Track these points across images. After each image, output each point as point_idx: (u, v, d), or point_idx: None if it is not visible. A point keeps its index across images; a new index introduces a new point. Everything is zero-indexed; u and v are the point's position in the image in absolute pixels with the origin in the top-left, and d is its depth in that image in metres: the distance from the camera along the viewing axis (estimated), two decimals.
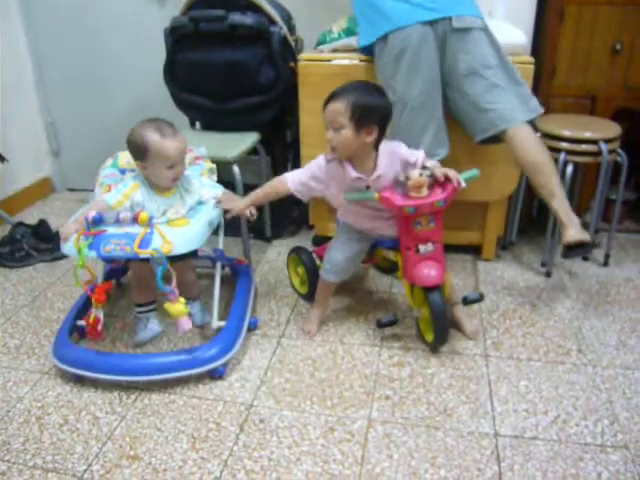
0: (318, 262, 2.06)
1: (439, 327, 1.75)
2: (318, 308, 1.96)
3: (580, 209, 2.57)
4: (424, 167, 1.68)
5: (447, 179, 1.67)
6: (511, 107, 1.91)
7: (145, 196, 1.69)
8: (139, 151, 1.64)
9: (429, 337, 1.82)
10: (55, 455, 1.45)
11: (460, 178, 1.67)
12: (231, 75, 2.25)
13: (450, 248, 2.30)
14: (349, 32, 2.24)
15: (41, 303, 2.15)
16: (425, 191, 1.66)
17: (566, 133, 2.14)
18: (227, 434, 1.51)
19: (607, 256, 2.34)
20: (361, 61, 2.15)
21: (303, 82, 2.20)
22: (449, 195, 1.66)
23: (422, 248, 1.72)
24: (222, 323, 1.81)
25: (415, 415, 1.57)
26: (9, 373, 1.76)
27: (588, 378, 1.70)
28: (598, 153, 2.12)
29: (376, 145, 1.67)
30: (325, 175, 1.72)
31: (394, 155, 1.71)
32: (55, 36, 2.95)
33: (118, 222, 1.63)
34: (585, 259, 2.37)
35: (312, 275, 2.04)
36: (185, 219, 1.69)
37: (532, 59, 2.09)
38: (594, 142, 2.12)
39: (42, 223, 2.52)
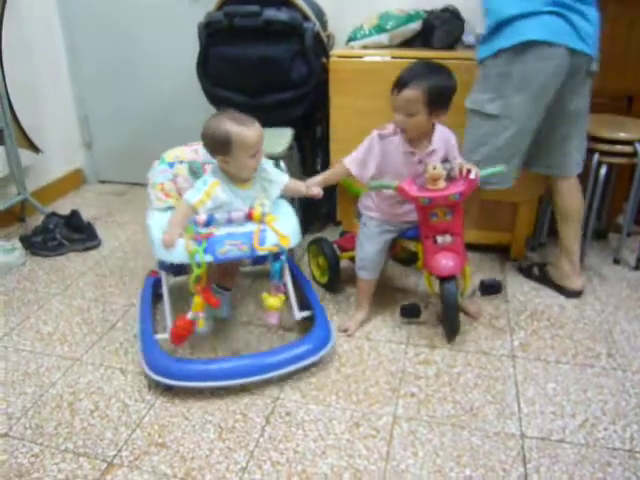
0: (339, 253, 2.10)
1: (450, 317, 1.80)
2: (360, 310, 1.97)
3: (613, 211, 2.53)
4: (444, 161, 1.73)
5: (460, 171, 1.72)
6: (580, 157, 1.97)
7: (228, 193, 1.64)
8: (221, 144, 1.58)
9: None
10: (86, 440, 1.48)
11: (477, 172, 1.70)
12: (264, 70, 2.26)
13: (479, 248, 2.30)
14: (380, 29, 2.25)
15: (73, 292, 2.19)
16: (442, 184, 1.70)
17: (601, 133, 2.11)
18: (253, 425, 1.53)
19: (639, 259, 2.30)
20: (393, 57, 2.15)
21: (334, 78, 2.21)
22: (465, 189, 1.69)
23: (440, 239, 1.76)
24: (306, 313, 1.82)
25: (441, 413, 1.56)
26: (42, 359, 1.80)
27: (618, 382, 1.68)
28: (633, 154, 2.09)
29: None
30: (379, 151, 1.76)
31: (447, 139, 1.79)
32: (90, 31, 3.00)
33: (230, 222, 1.61)
34: (616, 262, 2.33)
35: (333, 264, 2.08)
36: (272, 215, 1.66)
37: None
38: (629, 143, 2.08)
39: (74, 213, 2.56)
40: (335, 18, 2.51)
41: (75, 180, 3.27)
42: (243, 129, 1.58)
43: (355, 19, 2.35)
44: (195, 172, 1.77)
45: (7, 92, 2.53)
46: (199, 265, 1.54)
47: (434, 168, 1.68)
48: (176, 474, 1.38)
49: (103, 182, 3.36)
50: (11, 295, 2.16)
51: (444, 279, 1.77)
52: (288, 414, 1.56)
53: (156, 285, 2.00)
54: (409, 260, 2.23)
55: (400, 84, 1.66)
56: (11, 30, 2.63)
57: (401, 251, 2.19)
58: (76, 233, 2.52)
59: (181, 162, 1.78)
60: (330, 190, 2.14)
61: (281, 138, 2.27)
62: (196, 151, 1.79)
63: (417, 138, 1.74)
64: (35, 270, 2.36)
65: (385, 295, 2.13)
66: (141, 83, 3.05)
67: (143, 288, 2.07)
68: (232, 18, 2.24)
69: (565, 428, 1.51)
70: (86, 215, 2.66)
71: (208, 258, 1.53)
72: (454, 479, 1.36)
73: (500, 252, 2.40)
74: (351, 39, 2.32)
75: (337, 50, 2.33)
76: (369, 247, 1.88)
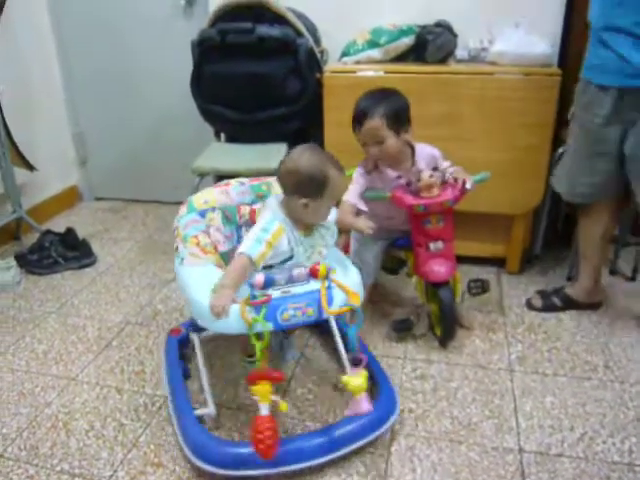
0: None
1: (447, 321, 1.84)
2: None
3: None
4: (435, 169, 1.80)
5: (456, 180, 1.77)
6: None
7: (292, 241, 1.41)
8: (315, 185, 1.37)
9: (438, 331, 1.90)
10: (82, 460, 1.47)
11: (469, 180, 1.75)
12: (258, 87, 2.27)
13: (475, 260, 2.30)
14: (373, 44, 2.26)
15: (68, 310, 2.18)
16: (436, 191, 1.76)
17: None
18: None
19: (635, 270, 2.31)
20: (386, 72, 2.16)
21: (328, 94, 2.22)
22: (457, 196, 1.75)
23: (432, 246, 1.80)
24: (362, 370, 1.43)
25: (438, 429, 1.56)
26: (37, 379, 1.79)
27: (615, 395, 1.67)
28: None
29: (409, 143, 1.80)
30: (370, 183, 1.81)
31: (431, 155, 1.84)
32: (84, 48, 3.01)
33: (292, 281, 1.35)
34: (612, 273, 2.33)
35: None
36: (333, 268, 1.41)
37: (559, 70, 2.07)
38: None
39: (70, 231, 2.56)
40: (328, 33, 2.52)
41: (71, 197, 3.26)
42: (340, 175, 1.41)
43: (348, 34, 2.36)
44: (229, 218, 1.58)
45: (1, 110, 2.53)
46: (261, 337, 1.28)
47: (430, 176, 1.75)
48: None
49: (99, 199, 3.36)
50: (6, 314, 2.15)
51: (438, 285, 1.81)
52: (285, 431, 1.54)
53: (181, 345, 1.83)
54: (395, 269, 2.23)
55: (359, 119, 1.74)
56: (3, 46, 2.65)
57: (389, 260, 2.19)
58: (71, 251, 2.51)
59: (213, 209, 1.57)
60: None
61: (275, 153, 2.27)
62: (226, 192, 1.59)
63: (397, 161, 1.79)
64: (30, 289, 2.35)
65: (381, 310, 2.13)
66: (136, 99, 3.06)
67: (166, 349, 1.82)
68: (225, 35, 2.25)
69: (563, 442, 1.50)
70: (82, 232, 2.66)
71: (268, 327, 1.27)
72: None
73: (496, 265, 2.40)
74: (344, 54, 2.33)
75: (331, 65, 2.34)
76: (366, 253, 1.91)
